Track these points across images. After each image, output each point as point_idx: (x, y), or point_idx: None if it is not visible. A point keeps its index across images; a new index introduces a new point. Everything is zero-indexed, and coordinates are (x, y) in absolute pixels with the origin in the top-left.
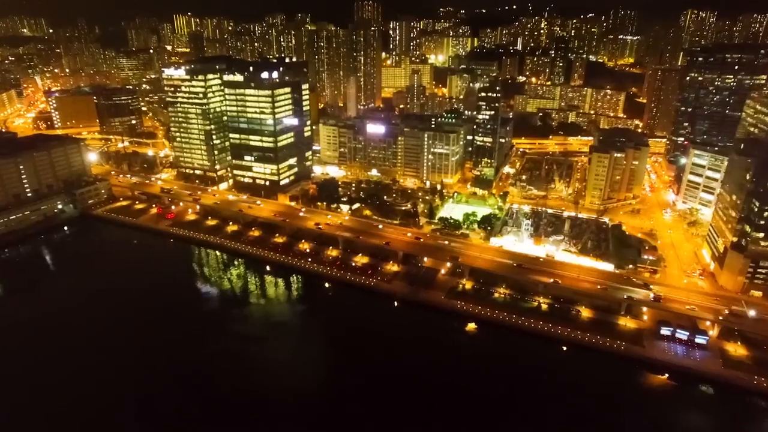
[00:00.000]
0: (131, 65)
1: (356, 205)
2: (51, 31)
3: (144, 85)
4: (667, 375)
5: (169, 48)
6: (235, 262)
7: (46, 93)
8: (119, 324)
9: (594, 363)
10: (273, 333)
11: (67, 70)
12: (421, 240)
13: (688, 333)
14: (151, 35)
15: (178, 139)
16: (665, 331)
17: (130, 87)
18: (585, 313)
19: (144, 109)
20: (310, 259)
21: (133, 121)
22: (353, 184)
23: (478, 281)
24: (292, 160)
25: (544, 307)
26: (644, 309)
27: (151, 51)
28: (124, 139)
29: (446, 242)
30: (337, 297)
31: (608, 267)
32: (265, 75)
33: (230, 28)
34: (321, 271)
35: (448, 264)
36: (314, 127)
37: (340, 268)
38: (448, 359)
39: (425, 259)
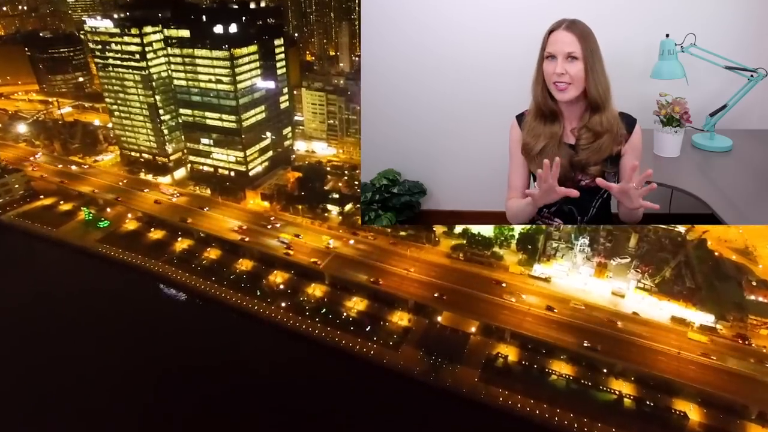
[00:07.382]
0: (84, 5)
1: (349, 206)
2: None
3: None
4: None
5: None
6: (182, 304)
7: None
8: None
9: None
10: None
11: (24, 7)
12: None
13: None
14: None
15: (117, 113)
16: None
17: (83, 33)
18: (693, 415)
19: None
20: (284, 304)
21: (80, 79)
22: (346, 170)
23: (524, 346)
24: (265, 142)
25: (628, 402)
26: None
27: None
28: (59, 103)
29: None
30: (320, 373)
31: (706, 319)
32: (219, 29)
33: None
34: (297, 327)
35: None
36: (295, 93)
37: (325, 320)
38: None
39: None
